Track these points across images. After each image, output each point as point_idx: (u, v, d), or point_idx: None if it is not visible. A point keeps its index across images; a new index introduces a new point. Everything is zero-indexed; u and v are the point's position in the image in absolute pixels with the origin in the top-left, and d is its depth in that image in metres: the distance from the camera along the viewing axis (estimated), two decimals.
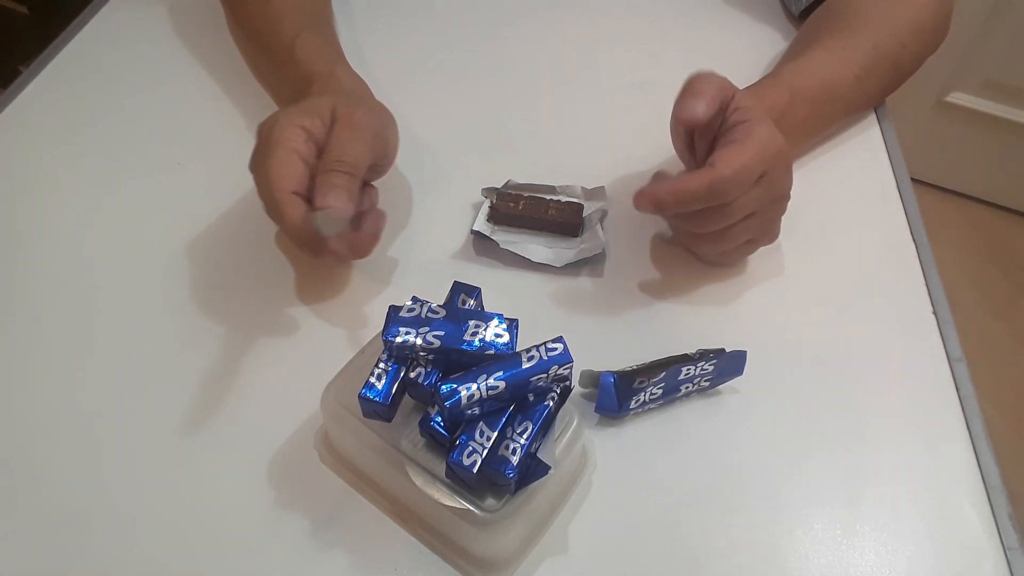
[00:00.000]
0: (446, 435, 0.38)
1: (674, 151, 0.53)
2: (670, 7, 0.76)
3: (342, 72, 0.57)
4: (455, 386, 0.36)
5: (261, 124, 0.49)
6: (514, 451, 0.36)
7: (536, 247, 0.54)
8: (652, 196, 0.46)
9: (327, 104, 0.49)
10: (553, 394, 0.38)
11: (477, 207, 0.58)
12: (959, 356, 0.50)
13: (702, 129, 0.49)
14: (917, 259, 0.55)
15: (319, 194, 0.45)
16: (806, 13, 0.71)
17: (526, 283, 0.53)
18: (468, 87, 0.68)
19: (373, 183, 0.53)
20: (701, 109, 0.46)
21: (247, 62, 0.68)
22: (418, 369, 0.39)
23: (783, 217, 0.51)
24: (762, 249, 0.53)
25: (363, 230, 0.49)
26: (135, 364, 0.48)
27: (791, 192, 0.50)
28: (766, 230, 0.51)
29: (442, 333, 0.38)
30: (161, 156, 0.61)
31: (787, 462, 0.45)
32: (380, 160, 0.51)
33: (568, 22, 0.74)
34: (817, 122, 0.60)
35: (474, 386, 0.36)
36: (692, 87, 0.47)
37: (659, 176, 0.48)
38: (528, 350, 0.38)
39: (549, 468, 0.37)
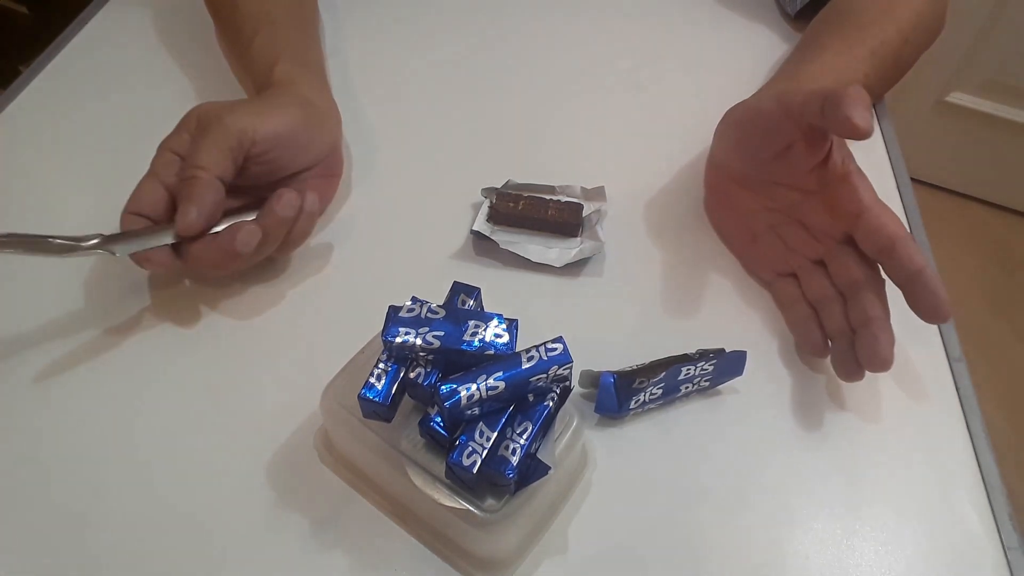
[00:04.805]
0: (446, 435, 0.38)
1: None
2: (668, 7, 0.76)
3: (280, 72, 0.56)
4: (455, 386, 0.36)
5: None
6: (514, 451, 0.36)
7: (536, 247, 0.54)
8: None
9: (193, 115, 0.50)
10: (553, 394, 0.38)
11: (477, 207, 0.58)
12: (959, 356, 0.50)
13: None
14: None
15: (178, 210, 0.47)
16: (802, 14, 0.71)
17: (526, 283, 0.53)
18: (468, 86, 0.68)
19: (329, 188, 0.54)
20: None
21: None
22: (418, 369, 0.39)
23: None
24: None
25: (215, 242, 0.47)
26: (133, 364, 0.48)
27: None
28: None
29: (442, 333, 0.38)
30: None
31: (787, 462, 0.45)
32: (287, 161, 0.51)
33: (568, 22, 0.74)
34: None
35: (474, 386, 0.36)
36: (852, 96, 0.41)
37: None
38: (528, 350, 0.38)
39: (549, 468, 0.37)
